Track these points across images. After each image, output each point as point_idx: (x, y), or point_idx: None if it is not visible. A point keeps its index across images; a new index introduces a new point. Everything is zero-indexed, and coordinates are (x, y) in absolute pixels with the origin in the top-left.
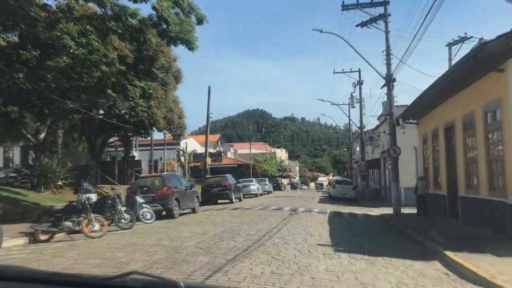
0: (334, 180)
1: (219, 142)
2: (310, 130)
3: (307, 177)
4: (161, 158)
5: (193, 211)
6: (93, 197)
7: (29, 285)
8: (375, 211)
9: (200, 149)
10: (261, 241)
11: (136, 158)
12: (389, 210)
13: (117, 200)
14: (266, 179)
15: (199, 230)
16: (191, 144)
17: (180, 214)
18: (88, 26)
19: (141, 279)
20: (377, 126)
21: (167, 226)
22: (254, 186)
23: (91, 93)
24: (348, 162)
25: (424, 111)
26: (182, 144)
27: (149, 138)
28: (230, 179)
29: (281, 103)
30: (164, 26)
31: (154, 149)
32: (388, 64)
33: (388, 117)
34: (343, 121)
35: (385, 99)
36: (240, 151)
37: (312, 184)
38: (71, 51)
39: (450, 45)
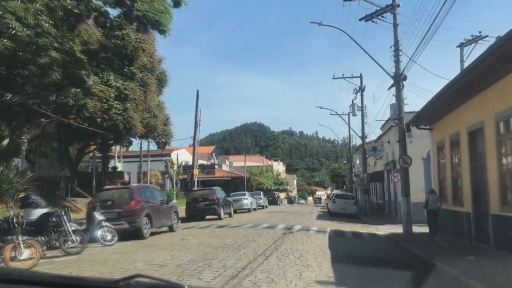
0: (333, 194)
1: (214, 154)
2: (308, 144)
3: (305, 191)
4: (151, 170)
5: (171, 229)
6: (36, 213)
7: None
8: (382, 230)
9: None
10: (238, 277)
11: (119, 169)
12: (396, 228)
13: (64, 218)
14: (261, 192)
15: (160, 259)
16: (184, 156)
17: (154, 233)
18: (38, 5)
19: (146, 282)
20: (381, 136)
21: (125, 251)
22: (246, 200)
23: (37, 84)
24: (348, 175)
25: (440, 114)
26: (174, 155)
27: (132, 149)
28: (219, 192)
29: (279, 117)
30: (129, 2)
31: (144, 161)
32: (397, 61)
33: (396, 122)
34: (342, 134)
35: (393, 102)
36: (236, 163)
37: (310, 198)
38: (13, 32)
39: (462, 45)
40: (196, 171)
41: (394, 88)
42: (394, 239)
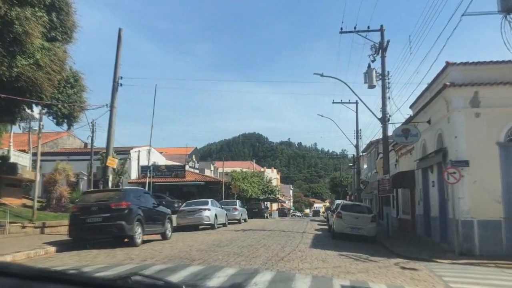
0: (340, 205)
1: (194, 156)
2: (306, 155)
3: (302, 203)
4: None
5: None
6: None
7: (30, 282)
8: (452, 282)
9: (165, 162)
10: None
11: (12, 161)
12: (479, 274)
13: None
14: (237, 201)
15: None
16: (153, 156)
17: None
18: None
19: (144, 281)
20: (411, 117)
21: None
22: (208, 211)
23: None
24: (352, 183)
25: None
26: (133, 153)
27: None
28: (133, 195)
29: (278, 128)
30: None
31: (95, 159)
32: None
33: None
34: (348, 129)
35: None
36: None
37: (307, 211)
38: None
39: None
40: (112, 162)
41: None
42: None
